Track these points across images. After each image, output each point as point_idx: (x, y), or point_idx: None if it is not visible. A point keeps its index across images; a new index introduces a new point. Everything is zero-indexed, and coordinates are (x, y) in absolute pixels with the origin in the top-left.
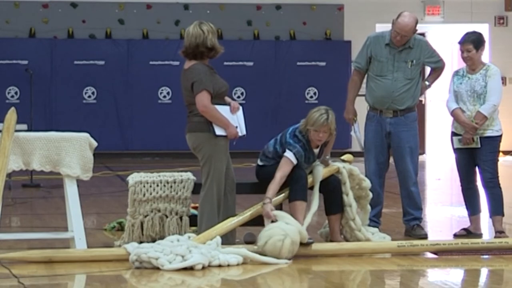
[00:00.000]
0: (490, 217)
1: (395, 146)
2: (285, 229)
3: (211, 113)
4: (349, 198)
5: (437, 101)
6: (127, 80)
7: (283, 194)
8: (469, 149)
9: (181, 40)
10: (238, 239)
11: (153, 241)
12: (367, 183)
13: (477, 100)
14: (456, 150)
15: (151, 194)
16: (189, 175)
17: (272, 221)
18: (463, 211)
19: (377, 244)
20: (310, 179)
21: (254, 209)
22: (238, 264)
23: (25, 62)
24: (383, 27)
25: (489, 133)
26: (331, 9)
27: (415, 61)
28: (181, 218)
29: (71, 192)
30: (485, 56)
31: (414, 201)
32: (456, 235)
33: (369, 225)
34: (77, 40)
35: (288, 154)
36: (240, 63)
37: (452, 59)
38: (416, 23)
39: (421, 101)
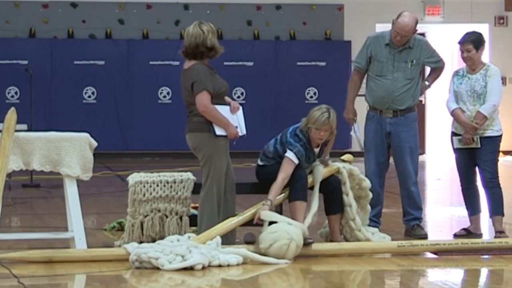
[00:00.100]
0: (490, 217)
1: (395, 146)
2: (290, 232)
3: (211, 113)
4: (349, 198)
5: (437, 101)
6: (127, 80)
7: (283, 194)
8: (469, 149)
9: (181, 40)
10: (238, 239)
11: (153, 241)
12: (367, 183)
13: (477, 100)
14: (456, 150)
15: (151, 194)
16: (189, 175)
17: (271, 222)
18: (463, 211)
19: (377, 244)
20: (310, 179)
21: (254, 209)
22: (238, 264)
23: (25, 62)
24: (383, 27)
25: (489, 133)
26: (331, 9)
27: (415, 61)
28: (181, 218)
29: (71, 192)
30: (485, 56)
31: (414, 201)
32: (456, 235)
33: (369, 225)
34: (77, 40)
35: (289, 154)
36: (240, 63)
37: (452, 59)
38: (416, 23)
39: (421, 101)
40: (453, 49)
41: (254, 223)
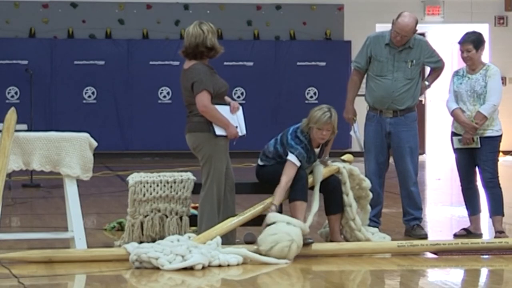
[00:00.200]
0: (490, 217)
1: (395, 146)
2: (290, 233)
3: (211, 113)
4: (349, 198)
5: (437, 101)
6: (127, 80)
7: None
8: (469, 149)
9: (181, 40)
10: (238, 239)
11: (153, 241)
12: (367, 183)
13: (477, 100)
14: (456, 150)
15: (151, 194)
16: (189, 175)
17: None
18: (463, 211)
19: (377, 244)
20: (310, 179)
21: (255, 209)
22: (238, 264)
23: (25, 62)
24: (383, 27)
25: (489, 133)
26: (331, 9)
27: (415, 61)
28: (181, 218)
29: (71, 192)
30: (485, 56)
31: (414, 201)
32: (456, 235)
33: (369, 225)
34: (77, 40)
35: (292, 157)
36: (240, 63)
37: (452, 59)
38: (416, 23)
39: (421, 101)
40: (453, 49)
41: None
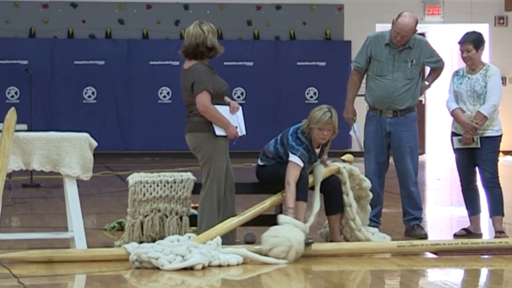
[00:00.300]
0: (490, 217)
1: (395, 146)
2: (291, 239)
3: (211, 113)
4: (349, 198)
5: (437, 101)
6: (127, 80)
7: (283, 194)
8: (469, 149)
9: (181, 40)
10: (238, 239)
11: (153, 241)
12: (367, 183)
13: (477, 100)
14: (456, 150)
15: (151, 194)
16: (189, 175)
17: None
18: (463, 211)
19: (377, 244)
20: (310, 179)
21: (255, 209)
22: (238, 264)
23: (25, 62)
24: (383, 27)
25: (489, 133)
26: (331, 9)
27: (415, 61)
28: (181, 218)
29: (71, 192)
30: (485, 56)
31: (414, 201)
32: (456, 235)
33: (369, 225)
34: (77, 40)
35: (294, 158)
36: (240, 63)
37: (452, 59)
38: (416, 23)
39: (421, 101)
40: (453, 49)
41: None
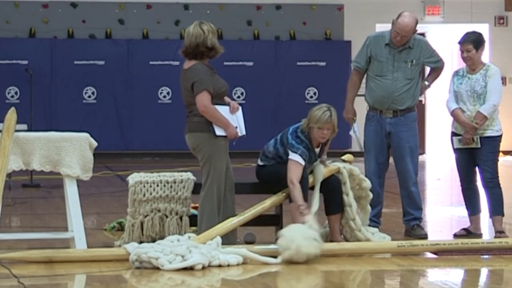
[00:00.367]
0: (490, 217)
1: (395, 146)
2: (295, 240)
3: (211, 113)
4: (349, 198)
5: (437, 101)
6: (127, 80)
7: (283, 194)
8: (469, 149)
9: (181, 40)
10: (238, 239)
11: (153, 241)
12: (367, 183)
13: (477, 100)
14: (456, 150)
15: (151, 194)
16: (189, 175)
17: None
18: (463, 211)
19: (377, 244)
20: (310, 179)
21: (255, 209)
22: (238, 264)
23: (25, 62)
24: (383, 27)
25: (489, 133)
26: (331, 9)
27: (415, 61)
28: (181, 218)
29: (71, 192)
30: (485, 56)
31: (414, 201)
32: (456, 235)
33: (369, 225)
34: (77, 40)
35: (295, 157)
36: (240, 63)
37: (452, 59)
38: (416, 23)
39: (421, 101)
40: (453, 49)
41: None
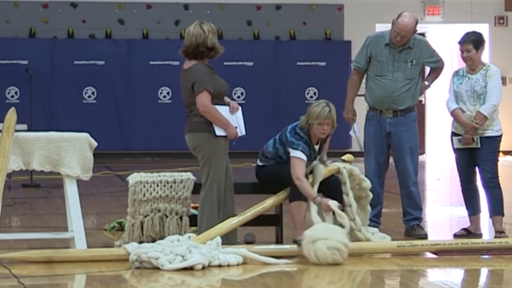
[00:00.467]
0: (490, 217)
1: (395, 146)
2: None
3: (211, 113)
4: (349, 198)
5: (437, 101)
6: (127, 80)
7: (283, 194)
8: (469, 149)
9: (181, 40)
10: (238, 239)
11: (153, 241)
12: (367, 183)
13: (477, 100)
14: (456, 150)
15: (151, 194)
16: (189, 175)
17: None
18: (463, 211)
19: (377, 244)
20: (310, 179)
21: (255, 209)
22: (238, 264)
23: (25, 62)
24: (383, 27)
25: (489, 133)
26: (331, 9)
27: (415, 61)
28: (181, 218)
29: (71, 192)
30: (485, 56)
31: (414, 201)
32: (456, 235)
33: (369, 225)
34: (77, 40)
35: (297, 153)
36: (240, 63)
37: (452, 59)
38: (416, 23)
39: (421, 101)
40: (453, 49)
41: (325, 210)
